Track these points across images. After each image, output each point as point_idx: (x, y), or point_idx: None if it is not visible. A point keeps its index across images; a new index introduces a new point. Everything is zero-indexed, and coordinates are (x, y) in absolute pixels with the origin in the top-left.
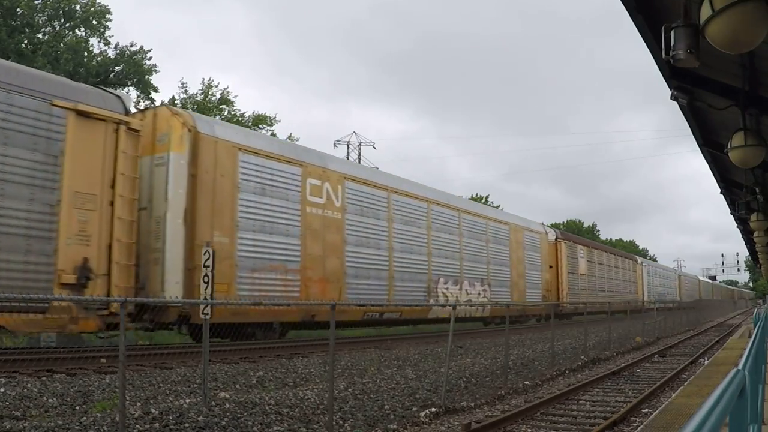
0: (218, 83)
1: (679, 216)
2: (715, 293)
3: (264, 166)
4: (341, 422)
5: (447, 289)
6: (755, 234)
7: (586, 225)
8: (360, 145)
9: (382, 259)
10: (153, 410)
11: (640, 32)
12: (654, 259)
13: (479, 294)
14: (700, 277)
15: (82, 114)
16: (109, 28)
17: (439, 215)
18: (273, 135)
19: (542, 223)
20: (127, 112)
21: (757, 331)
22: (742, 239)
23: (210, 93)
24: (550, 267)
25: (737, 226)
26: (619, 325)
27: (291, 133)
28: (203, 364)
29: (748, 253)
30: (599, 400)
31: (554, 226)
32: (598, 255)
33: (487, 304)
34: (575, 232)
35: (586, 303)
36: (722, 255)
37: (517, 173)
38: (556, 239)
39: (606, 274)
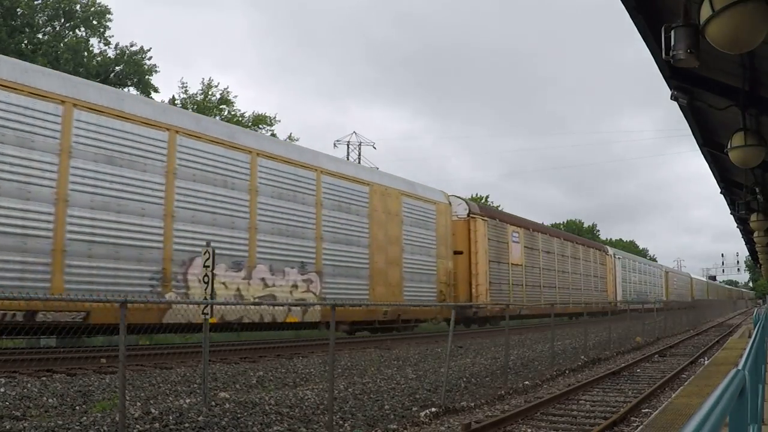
0: (218, 83)
1: (679, 216)
2: (711, 293)
3: None
4: (341, 422)
5: (215, 275)
6: (755, 234)
7: (586, 225)
8: (360, 145)
9: (34, 218)
10: (153, 410)
11: (640, 32)
12: (654, 259)
13: (296, 286)
14: (693, 275)
15: None
16: (109, 28)
17: (195, 156)
18: (273, 135)
19: (453, 194)
20: None
21: (757, 331)
22: (742, 239)
23: (210, 93)
24: (458, 253)
25: (737, 226)
26: (619, 325)
27: (291, 133)
28: (203, 364)
29: (748, 253)
30: (599, 400)
31: (554, 225)
32: (546, 241)
33: (316, 303)
34: (575, 232)
35: (524, 304)
36: (722, 255)
37: (518, 173)
38: (468, 214)
39: (559, 266)
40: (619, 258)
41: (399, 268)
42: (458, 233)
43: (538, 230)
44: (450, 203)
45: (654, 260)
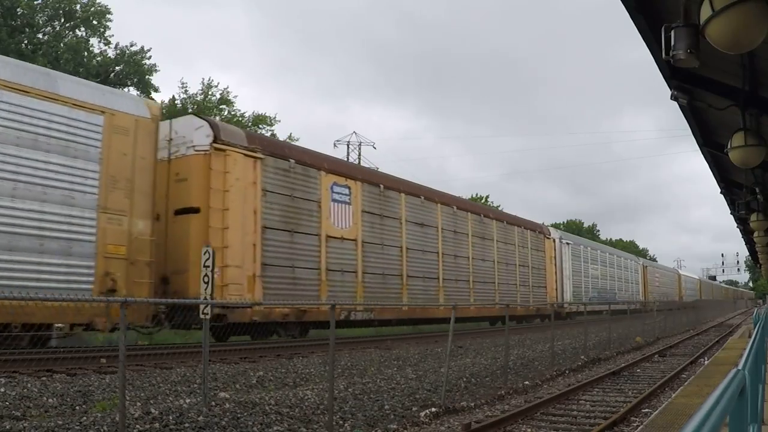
0: (218, 83)
1: (679, 216)
2: (705, 292)
3: None
4: (341, 422)
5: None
6: (755, 234)
7: (586, 225)
8: (360, 145)
9: None
10: (153, 410)
11: (640, 32)
12: (654, 259)
13: None
14: (682, 272)
15: None
16: (110, 28)
17: None
18: (273, 135)
19: (194, 113)
20: None
21: (757, 331)
22: (742, 239)
23: (210, 93)
24: (188, 211)
25: (737, 226)
26: (620, 325)
27: (291, 133)
28: (203, 364)
29: (748, 253)
30: (599, 400)
31: (555, 225)
32: (418, 207)
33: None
34: (575, 232)
35: (357, 303)
36: (722, 255)
37: (518, 173)
38: (213, 144)
39: (447, 247)
40: (567, 243)
41: (52, 240)
42: (192, 176)
43: (400, 189)
44: (153, 118)
45: (654, 260)
